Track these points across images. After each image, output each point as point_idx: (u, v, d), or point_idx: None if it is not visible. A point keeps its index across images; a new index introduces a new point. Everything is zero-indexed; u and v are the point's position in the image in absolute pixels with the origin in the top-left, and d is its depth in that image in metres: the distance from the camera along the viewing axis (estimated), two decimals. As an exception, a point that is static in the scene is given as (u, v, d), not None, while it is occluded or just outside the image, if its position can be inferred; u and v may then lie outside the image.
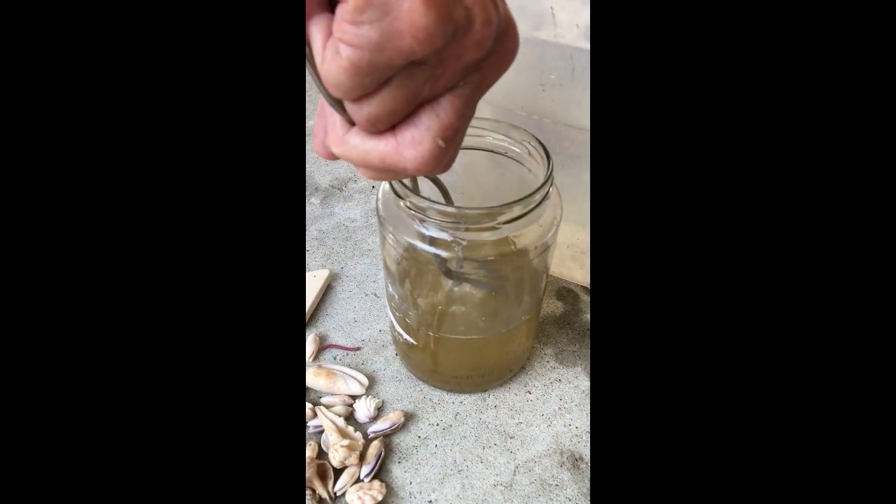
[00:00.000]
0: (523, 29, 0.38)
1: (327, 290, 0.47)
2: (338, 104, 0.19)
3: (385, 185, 0.34)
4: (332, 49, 0.17)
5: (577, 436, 0.38)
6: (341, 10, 0.16)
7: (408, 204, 0.31)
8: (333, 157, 0.21)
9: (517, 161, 0.36)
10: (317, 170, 0.59)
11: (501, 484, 0.36)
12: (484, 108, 0.41)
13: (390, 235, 0.34)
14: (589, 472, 0.37)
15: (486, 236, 0.32)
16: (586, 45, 0.36)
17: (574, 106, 0.38)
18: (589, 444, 0.38)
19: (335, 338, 0.44)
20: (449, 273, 0.34)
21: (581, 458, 0.37)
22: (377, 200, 0.35)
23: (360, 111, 0.19)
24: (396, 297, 0.37)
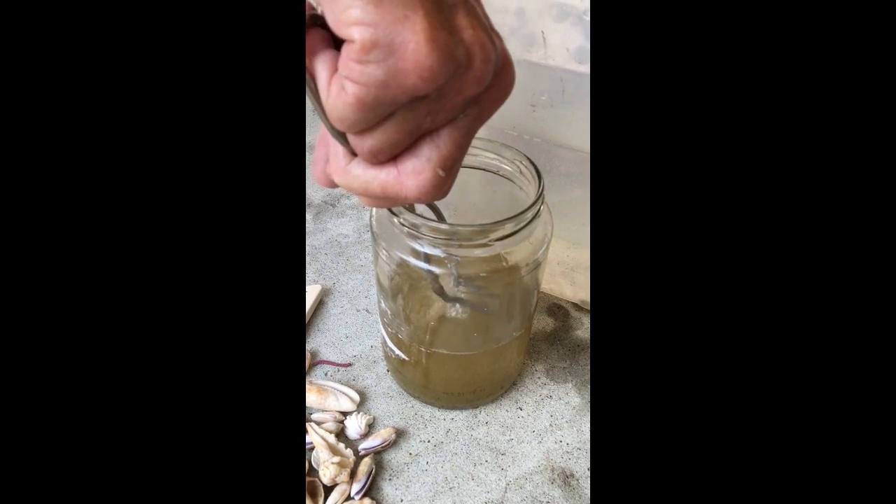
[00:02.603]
0: (515, 51, 0.39)
1: (319, 305, 0.47)
2: (341, 136, 0.20)
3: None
4: (337, 85, 0.18)
5: (567, 452, 0.39)
6: (348, 49, 0.17)
7: (401, 220, 0.31)
8: (334, 186, 0.22)
9: (509, 179, 0.36)
10: (309, 185, 0.59)
11: (492, 501, 0.36)
12: (476, 126, 0.41)
13: (383, 251, 0.34)
14: (580, 488, 0.37)
15: (479, 253, 0.32)
16: (576, 67, 0.36)
17: (564, 126, 0.39)
18: (580, 461, 0.38)
19: (326, 353, 0.44)
20: (442, 292, 0.34)
21: (572, 475, 0.37)
22: (371, 216, 0.35)
23: (362, 143, 0.19)
24: (388, 312, 0.38)
